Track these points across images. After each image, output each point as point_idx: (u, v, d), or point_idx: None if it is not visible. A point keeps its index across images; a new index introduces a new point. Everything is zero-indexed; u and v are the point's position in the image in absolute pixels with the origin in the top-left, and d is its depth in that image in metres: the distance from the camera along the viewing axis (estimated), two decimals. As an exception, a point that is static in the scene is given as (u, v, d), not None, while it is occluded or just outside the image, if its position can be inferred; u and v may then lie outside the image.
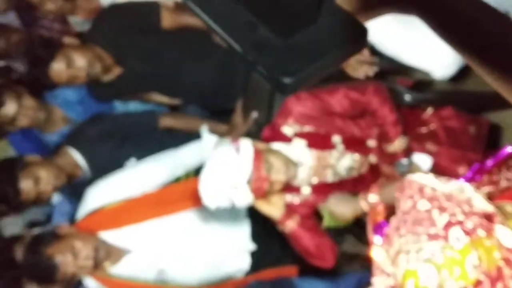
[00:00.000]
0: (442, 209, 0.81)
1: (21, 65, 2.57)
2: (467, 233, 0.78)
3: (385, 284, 0.82)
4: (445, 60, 2.19)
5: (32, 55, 2.41)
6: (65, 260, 2.14)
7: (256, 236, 2.36)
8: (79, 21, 2.84)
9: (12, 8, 2.95)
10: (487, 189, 0.91)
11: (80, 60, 2.41)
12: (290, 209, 2.14)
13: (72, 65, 2.40)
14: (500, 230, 0.76)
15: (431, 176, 0.88)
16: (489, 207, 0.81)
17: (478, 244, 0.77)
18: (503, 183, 0.92)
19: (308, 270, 2.32)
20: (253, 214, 2.25)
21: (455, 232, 0.78)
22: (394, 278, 0.82)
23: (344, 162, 2.17)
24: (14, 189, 2.29)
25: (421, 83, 2.34)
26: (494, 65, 0.48)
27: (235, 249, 2.36)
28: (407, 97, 2.27)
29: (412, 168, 2.09)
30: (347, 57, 0.44)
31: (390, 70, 2.31)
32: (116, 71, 2.51)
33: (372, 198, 1.75)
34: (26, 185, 2.31)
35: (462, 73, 2.24)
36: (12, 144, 2.80)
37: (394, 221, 0.88)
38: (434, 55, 2.19)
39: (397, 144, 2.14)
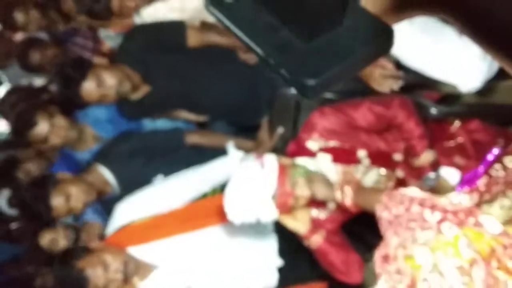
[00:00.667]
0: (433, 210, 0.83)
1: (53, 84, 2.64)
2: (457, 224, 0.79)
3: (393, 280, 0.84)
4: (472, 72, 2.16)
5: (64, 75, 2.48)
6: (96, 273, 2.18)
7: (283, 251, 2.35)
8: (111, 35, 2.91)
9: (44, 27, 3.05)
10: (487, 196, 0.92)
11: (110, 79, 2.46)
12: (316, 224, 2.12)
13: (103, 84, 2.45)
14: (484, 219, 0.78)
15: (419, 190, 0.90)
16: (471, 205, 0.83)
17: (468, 231, 0.78)
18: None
19: (337, 286, 2.29)
20: (281, 230, 2.25)
21: (447, 225, 0.80)
22: (398, 273, 0.83)
23: (370, 176, 2.15)
24: (46, 206, 2.35)
25: (448, 96, 2.31)
26: None
27: (263, 265, 2.35)
28: (433, 111, 2.25)
29: (440, 182, 2.06)
30: (372, 60, 0.43)
31: (416, 84, 2.29)
32: (144, 89, 2.56)
33: (348, 193, 1.76)
34: (57, 202, 2.37)
35: (489, 86, 2.20)
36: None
37: (387, 229, 0.90)
38: (460, 68, 2.17)
39: (424, 158, 2.11)
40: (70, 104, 2.62)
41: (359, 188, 1.80)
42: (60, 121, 2.53)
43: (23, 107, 2.56)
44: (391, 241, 0.93)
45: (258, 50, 0.42)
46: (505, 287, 0.75)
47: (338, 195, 1.82)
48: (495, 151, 1.11)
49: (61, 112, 2.56)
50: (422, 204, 0.87)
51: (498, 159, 0.93)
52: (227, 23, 0.44)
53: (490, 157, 1.14)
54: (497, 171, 0.98)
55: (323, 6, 0.41)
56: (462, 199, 0.88)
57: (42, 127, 2.47)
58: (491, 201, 0.87)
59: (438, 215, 0.85)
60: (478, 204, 0.87)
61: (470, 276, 0.76)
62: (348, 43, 0.41)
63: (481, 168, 1.08)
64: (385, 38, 0.43)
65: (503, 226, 0.82)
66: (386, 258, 0.96)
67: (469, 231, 0.80)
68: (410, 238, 0.87)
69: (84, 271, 2.17)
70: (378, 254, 0.99)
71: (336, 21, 0.42)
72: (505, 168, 0.99)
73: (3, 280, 3.29)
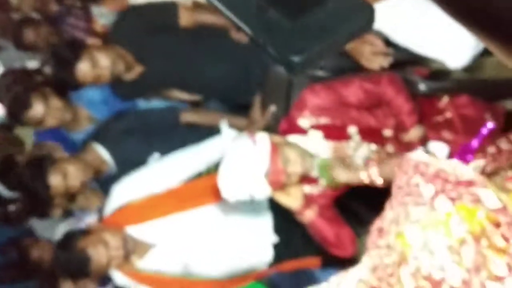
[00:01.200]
0: (432, 180, 0.83)
1: (47, 66, 2.66)
2: (452, 200, 0.81)
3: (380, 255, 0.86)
4: (460, 49, 2.19)
5: (58, 57, 2.50)
6: (97, 251, 2.21)
7: (278, 227, 2.39)
8: (105, 13, 2.91)
9: (37, 8, 3.05)
10: (491, 165, 0.93)
11: (104, 60, 2.48)
12: (308, 200, 2.15)
13: (97, 65, 2.47)
14: (482, 192, 0.79)
15: (425, 155, 0.90)
16: (474, 176, 0.83)
17: (461, 208, 0.79)
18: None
19: (331, 261, 2.33)
20: (275, 206, 2.28)
21: (441, 200, 0.81)
22: (388, 248, 0.85)
23: (361, 152, 2.18)
24: (43, 185, 2.38)
25: (437, 72, 2.33)
26: None
27: (258, 241, 2.39)
28: (422, 87, 2.27)
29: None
30: (354, 36, 0.46)
31: (405, 61, 2.32)
32: (138, 69, 2.58)
33: (374, 172, 1.79)
34: (55, 181, 2.40)
35: (477, 62, 2.23)
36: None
37: (389, 201, 0.92)
38: (449, 44, 2.19)
39: (413, 133, 2.15)
40: (64, 86, 2.64)
41: (381, 164, 1.82)
42: (55, 102, 2.55)
43: (18, 89, 2.58)
44: (387, 215, 0.94)
45: (247, 29, 0.45)
46: (494, 265, 0.77)
47: (364, 176, 1.84)
48: (490, 124, 1.12)
49: (55, 93, 2.58)
50: (423, 174, 0.88)
51: (502, 134, 0.94)
52: (218, 4, 0.47)
53: (484, 130, 1.15)
54: (502, 143, 1.00)
55: None
56: (471, 168, 0.88)
57: (37, 109, 2.49)
58: (499, 173, 0.87)
59: (434, 188, 0.85)
60: (490, 173, 0.87)
61: (460, 255, 0.78)
62: (331, 22, 0.44)
63: (474, 142, 1.09)
64: (366, 15, 0.46)
65: (503, 200, 0.82)
66: (380, 232, 0.98)
67: (463, 208, 0.81)
68: (403, 214, 0.88)
69: (85, 251, 2.21)
70: (374, 227, 1.00)
71: (319, 1, 0.45)
72: (510, 141, 1.00)
73: (2, 263, 3.32)
